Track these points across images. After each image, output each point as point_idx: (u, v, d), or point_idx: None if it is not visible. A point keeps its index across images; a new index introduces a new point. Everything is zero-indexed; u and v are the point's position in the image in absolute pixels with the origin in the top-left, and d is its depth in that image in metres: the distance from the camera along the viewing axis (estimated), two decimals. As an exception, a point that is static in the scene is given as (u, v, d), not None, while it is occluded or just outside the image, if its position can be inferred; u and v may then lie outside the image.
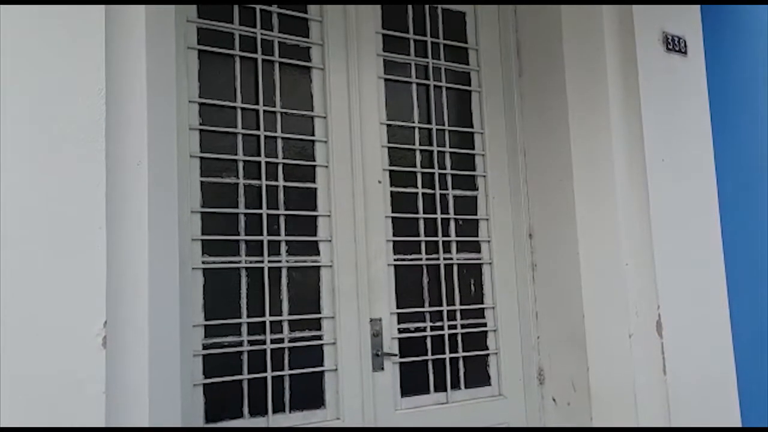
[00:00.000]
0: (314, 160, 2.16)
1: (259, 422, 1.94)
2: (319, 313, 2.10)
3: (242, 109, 2.05)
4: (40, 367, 1.22)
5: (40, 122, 1.25)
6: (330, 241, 2.13)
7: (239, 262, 1.99)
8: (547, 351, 2.30)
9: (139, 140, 1.43)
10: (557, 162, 2.18)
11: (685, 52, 2.15)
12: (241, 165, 2.03)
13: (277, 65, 2.13)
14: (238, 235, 2.00)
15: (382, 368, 2.16)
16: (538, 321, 2.33)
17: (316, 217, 2.14)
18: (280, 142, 2.11)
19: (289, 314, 2.05)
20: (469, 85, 2.49)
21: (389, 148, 2.30)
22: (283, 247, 2.07)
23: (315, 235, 2.12)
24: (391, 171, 2.29)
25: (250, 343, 1.97)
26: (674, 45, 2.15)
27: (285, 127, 2.14)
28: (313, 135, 2.17)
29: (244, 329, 1.97)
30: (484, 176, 2.45)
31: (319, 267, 2.11)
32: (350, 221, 2.18)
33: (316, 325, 2.09)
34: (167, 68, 1.65)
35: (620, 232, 1.93)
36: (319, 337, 2.08)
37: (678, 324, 1.92)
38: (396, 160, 2.31)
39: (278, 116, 2.13)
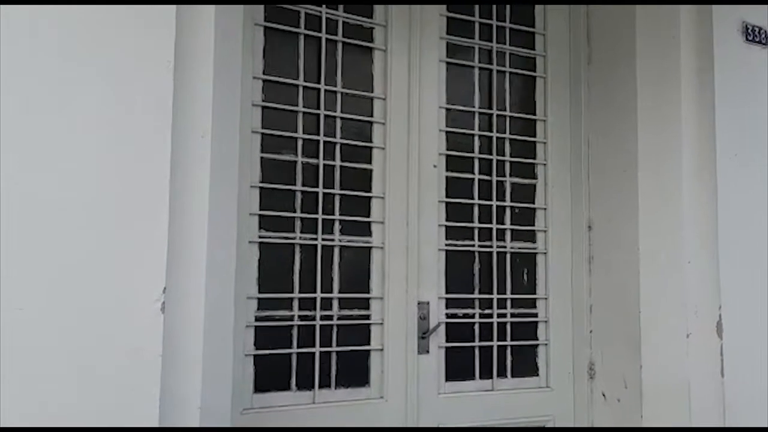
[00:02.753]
0: (371, 142, 2.17)
1: (305, 396, 1.98)
2: (368, 293, 2.11)
3: (304, 87, 2.07)
4: (102, 330, 1.26)
5: (110, 93, 1.29)
6: (382, 222, 2.14)
7: (294, 238, 2.02)
8: (599, 345, 2.25)
9: (204, 114, 1.46)
10: (622, 153, 2.12)
11: (766, 43, 2.04)
12: (300, 143, 2.05)
13: (340, 45, 2.14)
14: (294, 212, 2.02)
15: (428, 351, 2.16)
16: (592, 315, 2.28)
17: (370, 198, 2.14)
18: (338, 122, 2.12)
19: (340, 292, 2.07)
20: (534, 70, 2.44)
21: (447, 132, 2.28)
22: (337, 226, 2.08)
23: (368, 216, 2.13)
24: (447, 155, 2.26)
25: (301, 318, 2.01)
26: (754, 36, 2.04)
27: (344, 107, 2.14)
28: (371, 116, 2.17)
29: (296, 304, 2.01)
30: (545, 165, 2.40)
31: (370, 248, 2.12)
32: (403, 204, 2.17)
33: (365, 304, 2.11)
34: (234, 44, 1.68)
35: (684, 228, 1.87)
36: (367, 317, 2.10)
37: (740, 326, 1.85)
38: (454, 144, 2.28)
39: (338, 96, 2.14)
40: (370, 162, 2.16)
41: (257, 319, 1.95)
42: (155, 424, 1.29)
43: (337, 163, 2.11)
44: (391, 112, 2.19)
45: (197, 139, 1.43)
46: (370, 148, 2.17)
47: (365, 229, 2.14)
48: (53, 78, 1.23)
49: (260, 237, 1.97)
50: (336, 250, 2.09)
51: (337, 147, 2.12)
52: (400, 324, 2.13)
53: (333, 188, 2.10)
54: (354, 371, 2.08)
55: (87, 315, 1.25)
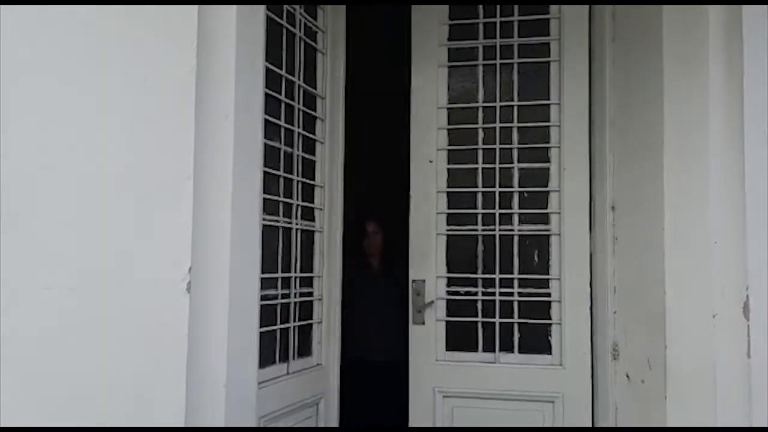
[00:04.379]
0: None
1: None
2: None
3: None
4: (128, 309, 1.26)
5: (132, 72, 1.28)
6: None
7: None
8: (623, 326, 2.24)
9: (227, 95, 1.47)
10: (647, 131, 2.08)
11: (798, 16, 1.98)
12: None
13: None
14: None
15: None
16: (616, 295, 2.26)
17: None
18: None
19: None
20: (548, 55, 2.46)
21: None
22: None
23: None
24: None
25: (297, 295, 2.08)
26: (785, 9, 1.98)
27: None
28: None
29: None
30: (558, 148, 2.44)
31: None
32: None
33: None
34: (256, 26, 1.68)
35: (711, 208, 1.84)
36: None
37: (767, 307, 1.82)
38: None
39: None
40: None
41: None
42: (182, 403, 1.31)
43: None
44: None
45: (220, 120, 1.44)
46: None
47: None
48: (80, 61, 1.24)
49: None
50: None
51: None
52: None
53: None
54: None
55: (114, 297, 1.26)
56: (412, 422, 2.44)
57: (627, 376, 2.20)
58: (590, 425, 2.32)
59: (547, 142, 2.45)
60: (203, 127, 1.39)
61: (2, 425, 1.10)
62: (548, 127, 2.45)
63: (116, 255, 1.26)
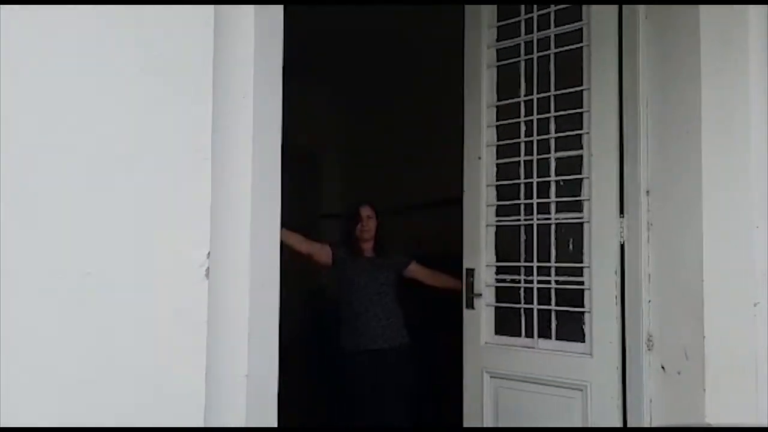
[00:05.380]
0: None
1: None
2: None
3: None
4: (146, 296, 1.23)
5: (148, 50, 1.25)
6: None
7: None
8: (658, 316, 2.15)
9: (245, 75, 1.43)
10: (684, 111, 2.00)
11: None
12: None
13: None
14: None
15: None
16: (650, 283, 2.18)
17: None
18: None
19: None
20: (580, 41, 2.38)
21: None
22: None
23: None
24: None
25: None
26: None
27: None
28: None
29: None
30: (588, 134, 2.35)
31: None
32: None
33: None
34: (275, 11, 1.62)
35: (753, 191, 1.75)
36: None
37: (812, 294, 1.73)
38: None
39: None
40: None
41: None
42: (201, 392, 1.27)
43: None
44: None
45: (239, 100, 1.39)
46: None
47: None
48: (94, 38, 1.21)
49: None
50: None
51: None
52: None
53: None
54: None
55: (130, 283, 1.23)
56: (465, 399, 2.61)
57: (662, 367, 2.12)
58: (620, 417, 2.24)
59: (580, 129, 2.39)
60: (221, 106, 1.34)
61: (11, 414, 1.08)
62: (581, 113, 2.40)
63: (133, 239, 1.23)
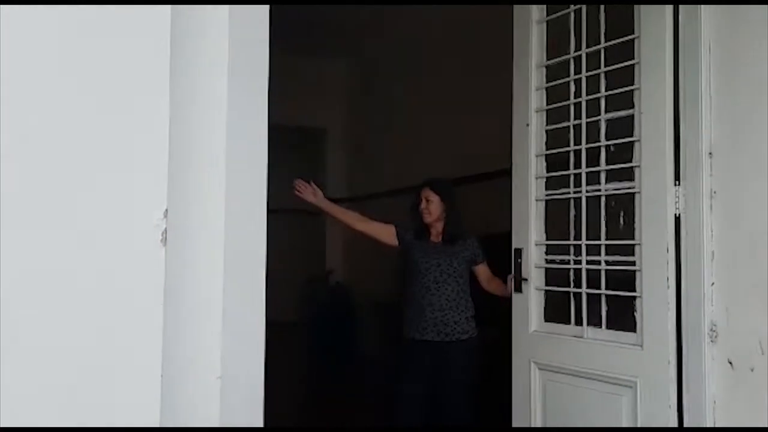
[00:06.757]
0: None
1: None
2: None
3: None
4: (85, 266, 0.94)
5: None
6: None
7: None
8: (724, 301, 1.81)
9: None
10: (754, 55, 1.66)
11: None
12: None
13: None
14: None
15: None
16: (714, 263, 1.83)
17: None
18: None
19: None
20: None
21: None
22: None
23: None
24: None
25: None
26: None
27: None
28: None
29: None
30: (638, 89, 2.01)
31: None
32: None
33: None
34: None
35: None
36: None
37: None
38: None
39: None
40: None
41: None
42: (156, 402, 0.96)
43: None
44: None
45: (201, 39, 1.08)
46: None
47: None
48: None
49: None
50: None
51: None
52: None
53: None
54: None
55: (64, 246, 0.93)
56: (514, 396, 2.39)
57: (729, 362, 1.78)
58: (675, 419, 1.90)
59: (631, 83, 2.06)
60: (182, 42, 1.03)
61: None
62: (632, 65, 2.06)
63: (68, 197, 0.92)
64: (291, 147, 8.60)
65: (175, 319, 1.01)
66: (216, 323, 1.09)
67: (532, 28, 2.39)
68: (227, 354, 1.09)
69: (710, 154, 1.85)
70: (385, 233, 3.15)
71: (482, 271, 3.10)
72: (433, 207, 3.06)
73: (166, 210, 0.98)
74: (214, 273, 1.08)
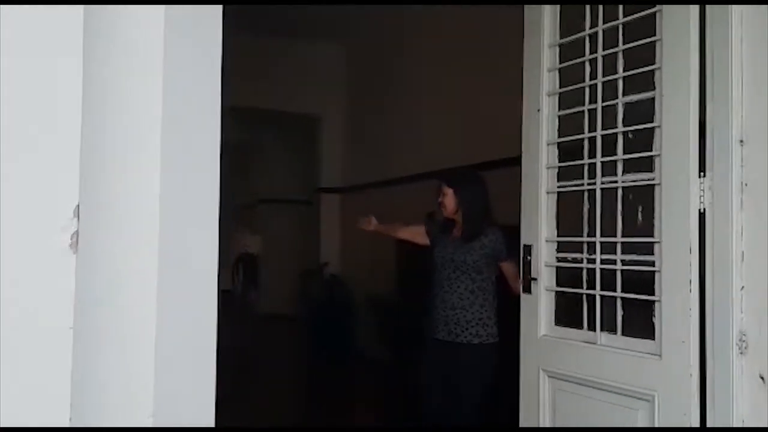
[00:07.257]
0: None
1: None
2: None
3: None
4: None
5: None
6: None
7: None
8: (755, 307, 1.60)
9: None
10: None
11: None
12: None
13: None
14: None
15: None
16: (743, 264, 1.63)
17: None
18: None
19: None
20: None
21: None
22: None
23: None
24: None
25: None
26: None
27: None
28: None
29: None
30: (660, 68, 1.81)
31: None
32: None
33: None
34: None
35: None
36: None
37: None
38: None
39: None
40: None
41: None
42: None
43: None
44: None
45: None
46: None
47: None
48: None
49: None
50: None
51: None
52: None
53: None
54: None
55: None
56: (522, 404, 2.22)
57: (761, 377, 1.58)
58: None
59: (652, 63, 1.85)
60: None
61: None
62: (653, 42, 1.85)
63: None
64: (285, 133, 8.48)
65: (92, 349, 0.84)
66: (147, 354, 0.90)
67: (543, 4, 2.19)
68: (163, 393, 0.91)
69: (741, 141, 1.64)
70: (419, 234, 3.16)
71: (506, 268, 2.93)
72: (447, 201, 2.95)
73: (78, 207, 0.82)
74: (144, 288, 0.91)
